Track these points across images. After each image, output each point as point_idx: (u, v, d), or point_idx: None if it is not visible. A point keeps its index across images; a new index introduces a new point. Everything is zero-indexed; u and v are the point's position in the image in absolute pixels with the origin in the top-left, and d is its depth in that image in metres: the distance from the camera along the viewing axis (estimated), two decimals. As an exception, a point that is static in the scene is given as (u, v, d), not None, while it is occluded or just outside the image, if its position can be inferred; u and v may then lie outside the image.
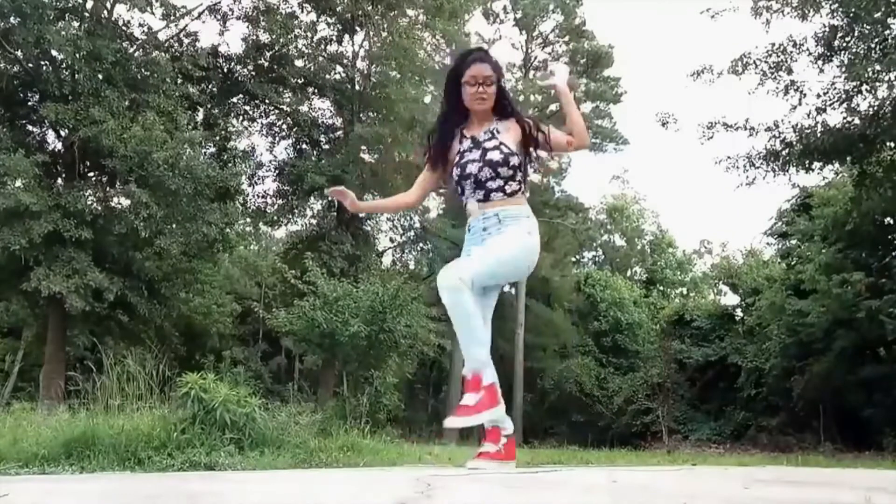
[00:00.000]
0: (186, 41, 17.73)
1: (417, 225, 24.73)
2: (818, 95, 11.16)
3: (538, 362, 25.72)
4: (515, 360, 23.20)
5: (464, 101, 3.16)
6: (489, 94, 3.12)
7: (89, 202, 14.67)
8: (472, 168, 3.11)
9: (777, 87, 11.29)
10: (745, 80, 11.53)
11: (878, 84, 10.71)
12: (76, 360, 18.61)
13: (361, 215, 21.87)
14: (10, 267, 14.16)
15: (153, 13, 16.39)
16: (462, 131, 3.21)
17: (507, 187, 3.11)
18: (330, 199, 20.84)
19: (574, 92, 3.33)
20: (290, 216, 21.45)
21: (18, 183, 13.59)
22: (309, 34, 19.69)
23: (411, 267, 27.99)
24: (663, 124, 12.69)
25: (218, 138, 18.03)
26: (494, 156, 3.10)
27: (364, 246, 20.40)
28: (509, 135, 3.14)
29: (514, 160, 3.11)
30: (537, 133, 3.14)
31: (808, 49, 11.08)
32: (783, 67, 11.22)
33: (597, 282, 27.96)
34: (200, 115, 18.15)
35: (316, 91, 19.96)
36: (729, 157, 11.73)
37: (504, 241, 3.05)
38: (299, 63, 19.35)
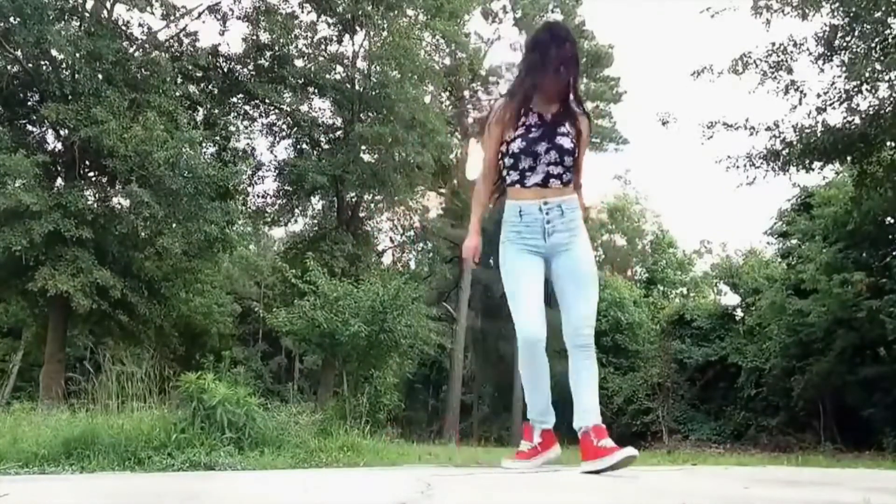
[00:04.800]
0: (186, 41, 17.75)
1: (417, 225, 24.75)
2: (818, 95, 11.14)
3: (539, 362, 25.67)
4: (516, 359, 23.17)
5: (544, 79, 3.02)
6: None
7: (89, 202, 14.67)
8: (539, 147, 3.02)
9: (777, 87, 11.26)
10: (745, 80, 11.53)
11: (878, 84, 10.68)
12: (76, 360, 18.63)
13: (361, 214, 21.91)
14: (11, 267, 14.16)
15: (153, 13, 16.44)
16: (529, 105, 3.10)
17: (564, 176, 3.06)
18: (331, 198, 20.92)
19: None
20: (291, 216, 21.49)
21: (18, 183, 13.58)
22: (309, 34, 19.71)
23: (412, 267, 28.02)
24: (663, 123, 12.68)
25: (218, 138, 18.04)
26: (565, 142, 3.04)
27: (365, 246, 20.41)
28: (575, 128, 3.10)
29: (576, 153, 3.09)
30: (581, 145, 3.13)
31: (808, 49, 11.06)
32: (783, 67, 11.19)
33: (597, 281, 27.89)
34: (200, 115, 18.16)
35: (316, 91, 19.96)
36: (729, 157, 11.70)
37: (593, 273, 3.21)
38: (299, 63, 19.35)
